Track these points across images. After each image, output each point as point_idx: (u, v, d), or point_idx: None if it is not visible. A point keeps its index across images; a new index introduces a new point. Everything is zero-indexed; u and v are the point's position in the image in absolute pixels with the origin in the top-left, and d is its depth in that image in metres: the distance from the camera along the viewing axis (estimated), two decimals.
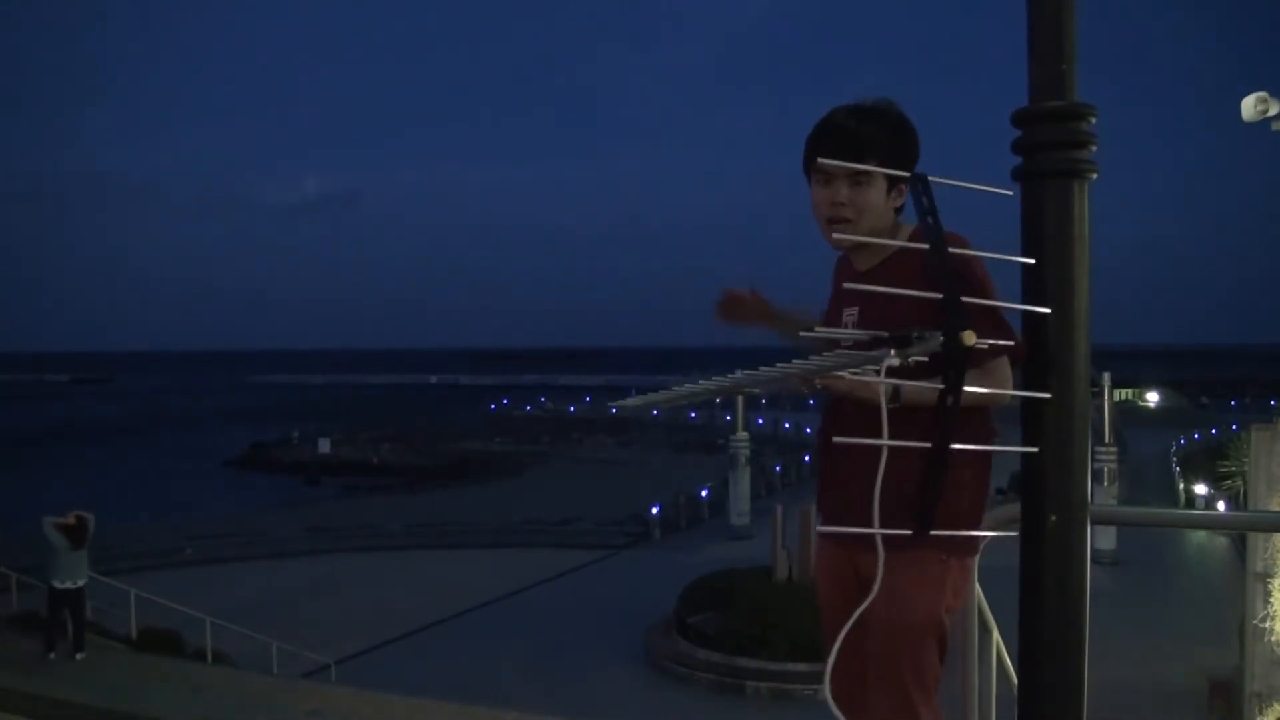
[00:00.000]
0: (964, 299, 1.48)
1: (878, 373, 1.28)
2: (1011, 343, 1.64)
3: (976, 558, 1.99)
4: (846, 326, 2.00)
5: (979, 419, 1.90)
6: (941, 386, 1.43)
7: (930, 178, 1.63)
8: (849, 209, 1.94)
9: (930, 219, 1.29)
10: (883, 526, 1.32)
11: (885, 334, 1.27)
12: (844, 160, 1.90)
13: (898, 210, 1.99)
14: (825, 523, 2.16)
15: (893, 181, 1.94)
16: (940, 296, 1.53)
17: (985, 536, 1.94)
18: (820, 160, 1.94)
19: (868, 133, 1.93)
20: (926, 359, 1.38)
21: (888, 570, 1.81)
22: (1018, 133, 1.27)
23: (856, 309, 1.99)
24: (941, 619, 1.97)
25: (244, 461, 53.40)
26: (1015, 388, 1.69)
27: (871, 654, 1.98)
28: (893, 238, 1.97)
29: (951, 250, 1.62)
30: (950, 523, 1.85)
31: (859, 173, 1.90)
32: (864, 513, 1.37)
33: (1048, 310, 1.23)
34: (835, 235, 1.95)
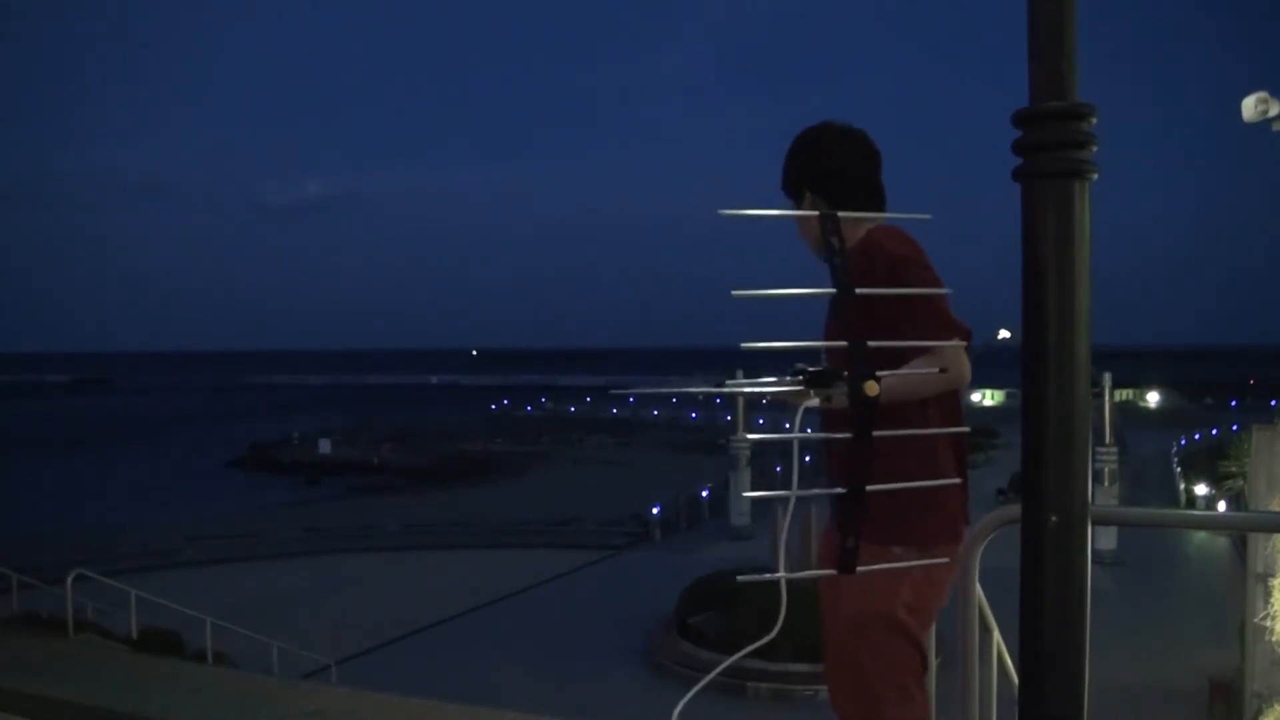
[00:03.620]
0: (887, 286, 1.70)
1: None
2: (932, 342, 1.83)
3: (973, 555, 1.97)
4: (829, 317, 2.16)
5: (917, 410, 1.94)
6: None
7: (842, 214, 1.69)
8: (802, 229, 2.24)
9: (839, 260, 1.33)
10: (849, 519, 1.35)
11: (799, 376, 1.35)
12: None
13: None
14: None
15: (816, 196, 2.23)
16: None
17: (975, 530, 1.95)
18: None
19: (786, 169, 2.30)
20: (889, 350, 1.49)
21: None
22: (1018, 133, 1.27)
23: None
24: (895, 612, 1.96)
25: (244, 462, 53.46)
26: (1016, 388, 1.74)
27: (840, 649, 2.00)
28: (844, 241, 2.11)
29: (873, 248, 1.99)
30: (899, 515, 1.87)
31: (791, 200, 2.31)
32: (835, 505, 1.38)
33: (964, 343, 1.25)
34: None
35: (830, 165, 2.21)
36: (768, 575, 1.32)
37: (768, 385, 1.42)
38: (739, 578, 1.44)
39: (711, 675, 1.52)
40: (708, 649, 14.20)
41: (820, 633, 2.20)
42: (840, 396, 1.32)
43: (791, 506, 1.26)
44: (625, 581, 20.29)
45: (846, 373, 1.27)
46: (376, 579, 20.85)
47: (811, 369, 1.38)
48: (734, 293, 1.68)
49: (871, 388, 1.24)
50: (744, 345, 1.27)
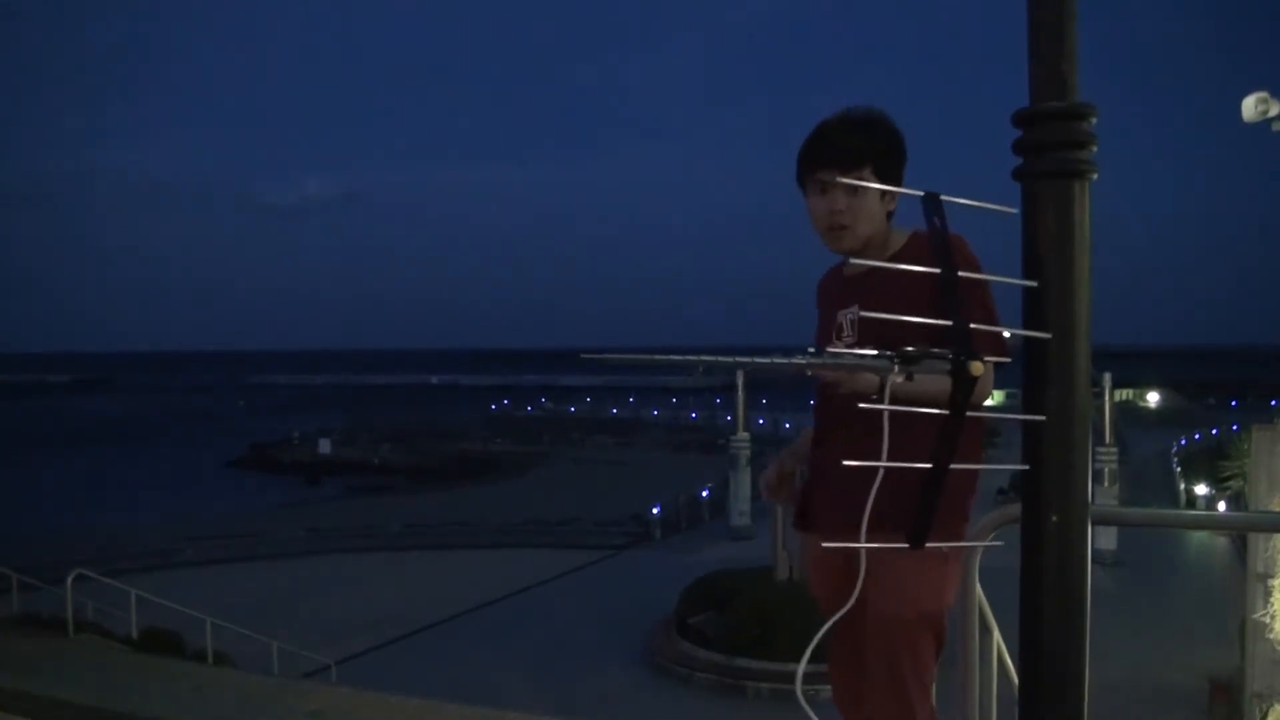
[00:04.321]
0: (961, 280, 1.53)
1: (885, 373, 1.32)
2: (1004, 333, 1.73)
3: (973, 556, 1.99)
4: (844, 325, 2.06)
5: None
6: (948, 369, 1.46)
7: (943, 196, 1.68)
8: (847, 215, 2.03)
9: (942, 238, 1.32)
10: (876, 522, 1.34)
11: (890, 353, 1.31)
12: (839, 169, 2.01)
13: (889, 214, 2.08)
14: (816, 510, 2.20)
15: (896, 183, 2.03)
16: (937, 299, 1.57)
17: (976, 530, 1.96)
18: (819, 174, 2.04)
19: (860, 142, 2.03)
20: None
21: (889, 565, 1.82)
22: (1018, 133, 1.27)
23: (855, 307, 2.03)
24: (942, 615, 1.99)
25: (245, 462, 53.46)
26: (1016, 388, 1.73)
27: (872, 649, 1.99)
28: (885, 240, 2.05)
29: (961, 271, 1.71)
30: (945, 520, 1.87)
31: (864, 178, 2.00)
32: (857, 506, 1.36)
33: (1047, 335, 1.24)
34: (836, 244, 2.07)
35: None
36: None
37: (855, 357, 1.39)
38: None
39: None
40: (707, 649, 14.19)
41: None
42: (923, 375, 1.30)
43: (880, 478, 1.25)
44: (625, 581, 20.28)
45: (949, 352, 1.25)
46: (376, 579, 20.83)
47: (810, 349, 1.35)
48: (851, 260, 1.86)
49: (976, 368, 1.23)
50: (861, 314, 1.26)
